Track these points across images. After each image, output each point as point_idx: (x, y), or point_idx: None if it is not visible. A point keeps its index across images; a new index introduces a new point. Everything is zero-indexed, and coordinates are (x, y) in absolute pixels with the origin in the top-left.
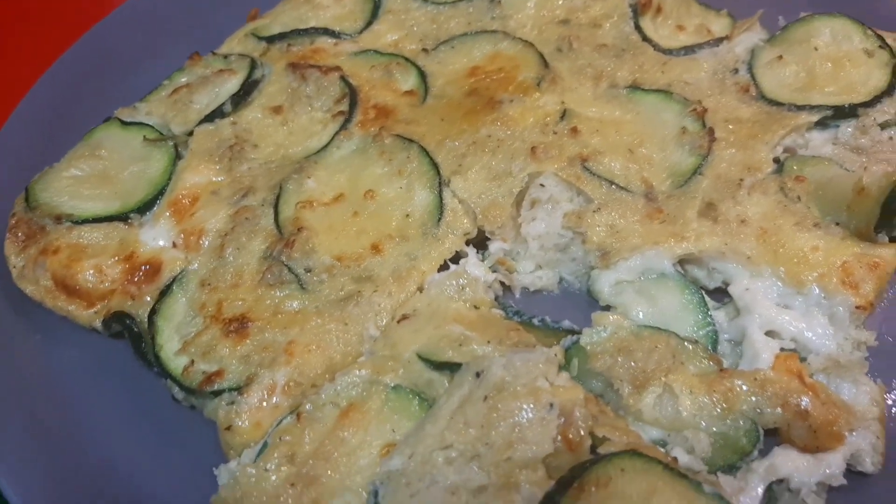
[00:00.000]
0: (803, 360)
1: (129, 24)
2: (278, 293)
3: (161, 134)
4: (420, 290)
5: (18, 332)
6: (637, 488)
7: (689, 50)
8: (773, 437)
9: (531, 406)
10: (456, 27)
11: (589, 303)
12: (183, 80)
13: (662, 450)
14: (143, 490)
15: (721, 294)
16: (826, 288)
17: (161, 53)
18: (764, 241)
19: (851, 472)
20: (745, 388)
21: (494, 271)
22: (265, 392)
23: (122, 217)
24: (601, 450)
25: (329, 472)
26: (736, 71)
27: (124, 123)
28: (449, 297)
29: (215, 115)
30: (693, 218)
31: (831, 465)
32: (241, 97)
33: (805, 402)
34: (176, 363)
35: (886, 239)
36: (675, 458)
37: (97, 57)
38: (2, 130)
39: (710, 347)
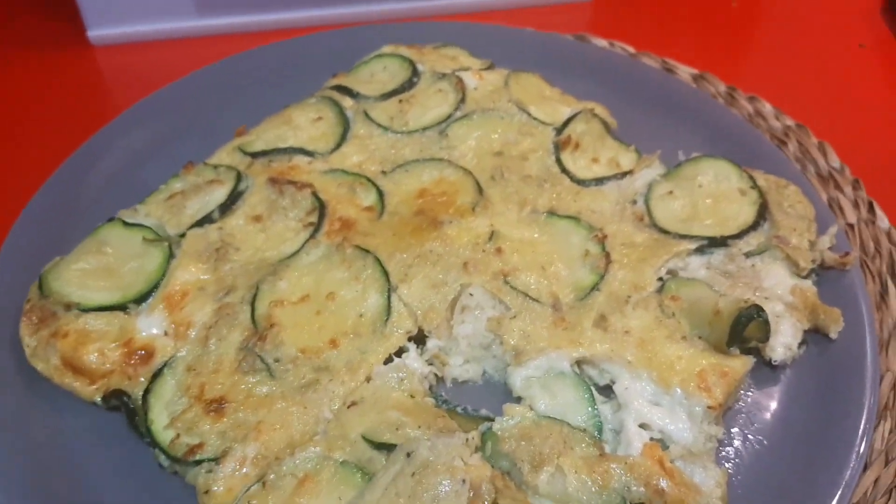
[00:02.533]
0: (666, 448)
1: (130, 129)
2: (251, 379)
3: (158, 235)
4: (368, 379)
5: (30, 402)
6: None
7: (598, 181)
8: None
9: (448, 481)
10: (410, 153)
11: (505, 393)
12: (178, 186)
13: None
14: None
15: (608, 390)
16: (686, 390)
17: (158, 158)
18: (642, 349)
19: None
20: (617, 470)
21: (430, 364)
22: (237, 463)
23: (122, 307)
24: None
25: None
26: (635, 202)
27: (126, 224)
28: (391, 388)
29: (205, 220)
30: (588, 327)
31: None
32: (228, 206)
33: (663, 483)
34: (164, 436)
35: (738, 351)
36: None
37: (101, 159)
38: (17, 223)
39: (596, 435)
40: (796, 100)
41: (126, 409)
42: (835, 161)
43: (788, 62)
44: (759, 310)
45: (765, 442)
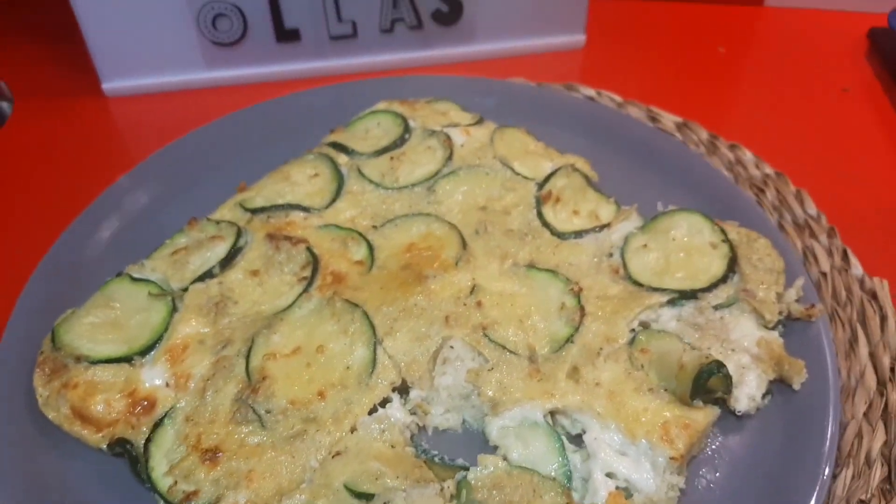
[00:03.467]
0: (630, 496)
1: (139, 184)
2: (244, 429)
3: (162, 289)
4: (353, 430)
5: (40, 447)
6: None
7: (577, 234)
8: None
9: None
10: (400, 208)
11: (483, 440)
12: (182, 241)
13: None
14: None
15: (579, 439)
16: (651, 441)
17: (165, 212)
18: (611, 401)
19: None
20: None
21: (413, 413)
22: None
23: (128, 359)
24: None
25: None
26: (611, 255)
27: (133, 279)
28: (373, 438)
29: (206, 275)
30: (562, 378)
31: None
32: (228, 261)
33: None
34: (163, 482)
35: (702, 403)
36: None
37: (112, 213)
38: (32, 277)
39: (565, 483)
40: (778, 145)
41: (129, 457)
42: (811, 209)
43: (772, 107)
44: (719, 365)
45: (728, 489)
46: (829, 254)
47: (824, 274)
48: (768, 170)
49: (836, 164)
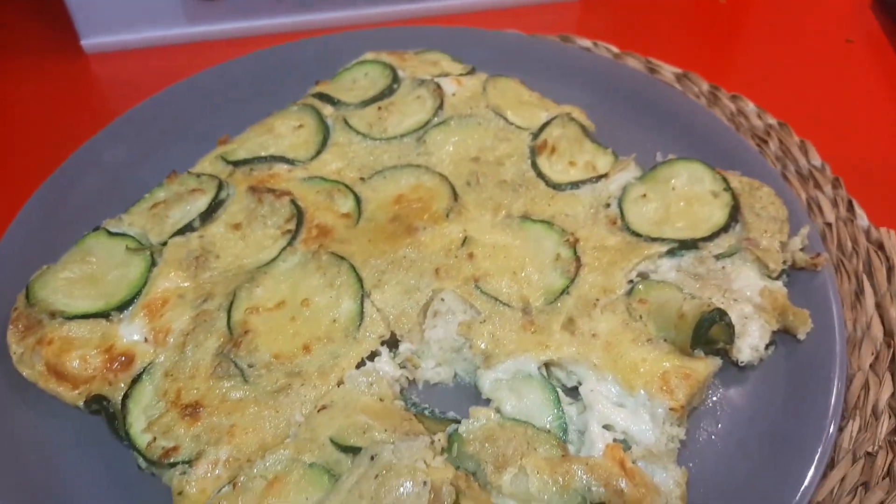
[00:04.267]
0: (628, 448)
1: (118, 139)
2: (226, 384)
3: (140, 244)
4: (340, 383)
5: (16, 406)
6: None
7: (574, 185)
8: None
9: (409, 483)
10: (388, 160)
11: (475, 394)
12: (161, 195)
13: None
14: None
15: (575, 391)
16: (650, 392)
17: (145, 167)
18: (608, 352)
19: None
20: (579, 471)
21: (403, 367)
22: (210, 465)
23: (105, 314)
24: None
25: None
26: (608, 205)
27: (110, 233)
28: (360, 391)
29: (186, 228)
30: (557, 330)
31: None
32: (208, 214)
33: (623, 483)
34: (141, 439)
35: (703, 354)
36: None
37: (89, 168)
38: (7, 232)
39: (560, 436)
40: (781, 97)
41: (106, 414)
42: (815, 159)
43: (774, 59)
44: (721, 313)
45: (730, 441)
46: (834, 204)
47: (829, 225)
48: (771, 120)
49: (840, 115)
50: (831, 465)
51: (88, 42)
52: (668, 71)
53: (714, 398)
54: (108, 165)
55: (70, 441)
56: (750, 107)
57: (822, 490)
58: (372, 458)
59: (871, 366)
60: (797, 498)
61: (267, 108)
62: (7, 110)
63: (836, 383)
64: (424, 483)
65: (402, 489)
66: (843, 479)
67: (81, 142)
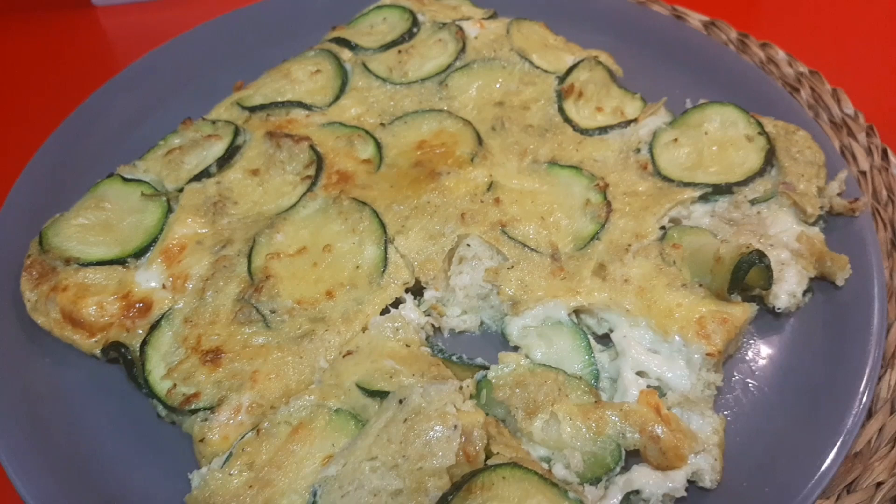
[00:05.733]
0: (663, 395)
1: (129, 87)
2: (247, 330)
3: (156, 190)
4: (364, 329)
5: (31, 355)
6: (514, 492)
7: (602, 130)
8: (634, 456)
9: (440, 427)
10: (409, 105)
11: (502, 342)
12: (176, 142)
13: (546, 465)
14: (129, 486)
15: (606, 339)
16: (685, 337)
17: (157, 115)
18: (641, 298)
19: (696, 486)
20: (613, 416)
21: (428, 314)
22: (232, 412)
23: (121, 261)
24: (490, 462)
25: (281, 477)
26: (638, 150)
27: (125, 179)
28: (386, 337)
29: (202, 175)
30: (587, 276)
31: (675, 481)
32: (225, 160)
33: (659, 429)
34: (161, 386)
35: (739, 299)
36: (550, 471)
37: (101, 117)
38: (18, 180)
39: (593, 383)
40: (811, 47)
41: (124, 361)
42: (848, 108)
43: (804, 7)
44: (760, 255)
45: (766, 390)
46: (868, 153)
47: (863, 173)
48: (802, 68)
49: (872, 64)
50: (869, 415)
51: None
52: (695, 19)
53: (749, 346)
54: (119, 114)
55: (86, 390)
56: (780, 55)
57: (860, 440)
58: (400, 401)
59: None
60: (836, 448)
61: (281, 55)
62: (17, 64)
63: (874, 331)
64: (455, 427)
65: (432, 433)
66: (881, 430)
67: (90, 94)
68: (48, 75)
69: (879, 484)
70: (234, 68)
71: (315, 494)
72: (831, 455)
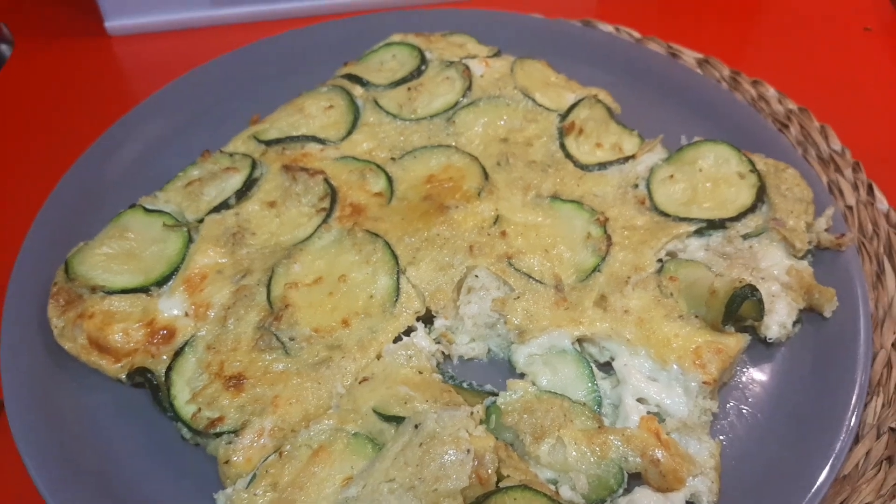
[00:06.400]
0: (662, 421)
1: (147, 119)
2: (268, 357)
3: (177, 220)
4: (378, 357)
5: (58, 379)
6: None
7: (601, 166)
8: (636, 479)
9: (454, 451)
10: (418, 140)
11: (509, 369)
12: (195, 173)
13: (553, 487)
14: None
15: (608, 367)
16: (683, 366)
17: (176, 147)
18: (640, 328)
19: None
20: (616, 441)
21: (437, 342)
22: (255, 435)
23: (145, 289)
24: (502, 484)
25: (303, 497)
26: (636, 186)
27: (147, 210)
28: (400, 364)
29: (222, 206)
30: (589, 307)
31: (675, 502)
32: (243, 192)
33: (658, 453)
34: (186, 410)
35: (733, 330)
36: (558, 492)
37: (121, 148)
38: (42, 209)
39: (595, 409)
40: (800, 84)
41: (150, 386)
42: (836, 144)
43: (793, 46)
44: (752, 289)
45: (758, 416)
46: (855, 188)
47: (850, 208)
48: (791, 105)
49: (859, 102)
50: (856, 439)
51: (113, 24)
52: (689, 56)
53: (743, 374)
54: (138, 145)
55: (112, 413)
56: (771, 92)
57: (848, 464)
58: (416, 426)
59: (893, 344)
60: (825, 471)
61: (294, 89)
62: (30, 94)
63: (861, 359)
64: (468, 451)
65: (446, 456)
66: (867, 454)
67: (104, 125)
68: (61, 104)
69: None
70: (248, 100)
71: None
72: (821, 477)
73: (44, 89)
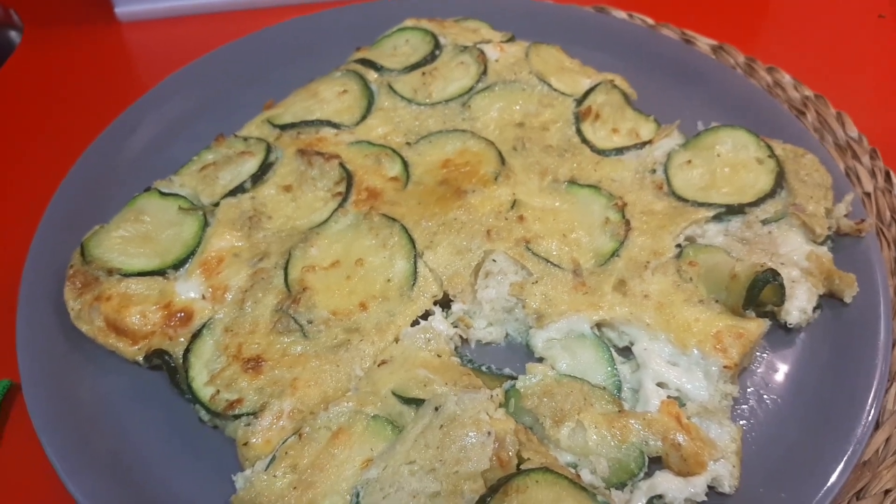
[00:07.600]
0: (682, 405)
1: (159, 104)
2: (286, 339)
3: (192, 204)
4: (396, 340)
5: (75, 362)
6: (547, 495)
7: (618, 151)
8: (656, 463)
9: (474, 433)
10: (434, 125)
11: (527, 354)
12: (210, 157)
13: (573, 470)
14: (174, 490)
15: (627, 351)
16: (703, 351)
17: (190, 131)
18: (660, 312)
19: (715, 491)
20: (636, 425)
21: (455, 326)
22: (274, 417)
23: (161, 272)
24: (523, 467)
25: (323, 479)
26: (654, 171)
27: (162, 193)
28: (418, 348)
29: (237, 190)
30: (608, 291)
31: (696, 486)
32: (259, 176)
33: (680, 437)
34: (204, 392)
35: (754, 314)
36: (579, 475)
37: (136, 132)
38: (57, 193)
39: (615, 393)
40: (815, 71)
41: (167, 368)
42: (852, 131)
43: (808, 33)
44: (774, 274)
45: (778, 401)
46: (872, 175)
47: (868, 194)
48: (808, 92)
49: (874, 89)
50: (877, 425)
51: (122, 10)
52: (703, 43)
53: (763, 359)
54: (153, 129)
55: (129, 395)
56: (786, 78)
57: (869, 450)
58: (436, 409)
59: None
60: (846, 456)
61: (307, 74)
62: (42, 78)
63: (881, 345)
64: (489, 433)
65: (467, 439)
66: (888, 440)
67: (114, 111)
68: (72, 90)
69: (888, 491)
70: (262, 85)
71: (357, 496)
72: (842, 463)
73: (53, 76)
